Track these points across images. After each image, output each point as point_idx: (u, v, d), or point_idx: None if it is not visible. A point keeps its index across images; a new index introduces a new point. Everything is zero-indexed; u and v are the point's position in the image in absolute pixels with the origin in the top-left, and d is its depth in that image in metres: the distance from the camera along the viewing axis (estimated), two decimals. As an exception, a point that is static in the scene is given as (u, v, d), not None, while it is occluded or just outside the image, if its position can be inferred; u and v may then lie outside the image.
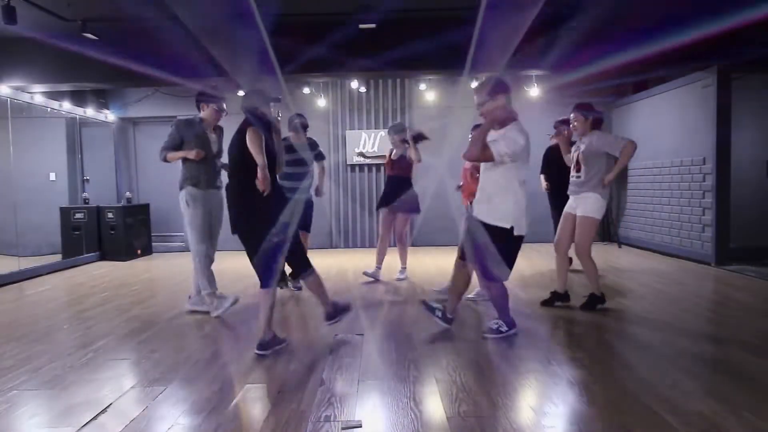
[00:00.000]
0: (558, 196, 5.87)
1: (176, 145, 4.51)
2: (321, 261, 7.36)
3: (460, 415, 2.51)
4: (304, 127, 5.48)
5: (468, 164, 5.22)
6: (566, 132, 5.23)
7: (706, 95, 6.51)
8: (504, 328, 3.68)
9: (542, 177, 6.39)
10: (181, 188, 4.54)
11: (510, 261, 3.51)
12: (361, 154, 6.26)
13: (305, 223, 5.60)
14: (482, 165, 3.63)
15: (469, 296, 4.72)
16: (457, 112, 8.67)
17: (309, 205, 5.55)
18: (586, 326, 4.01)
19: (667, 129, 7.34)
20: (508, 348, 3.48)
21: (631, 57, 5.67)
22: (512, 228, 3.44)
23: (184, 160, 4.52)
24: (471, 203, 4.96)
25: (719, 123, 6.33)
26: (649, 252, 7.63)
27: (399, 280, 6.02)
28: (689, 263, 6.65)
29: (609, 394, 2.71)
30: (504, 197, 3.46)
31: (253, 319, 4.23)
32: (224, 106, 4.67)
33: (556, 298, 4.56)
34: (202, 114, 4.60)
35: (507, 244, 3.46)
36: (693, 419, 2.39)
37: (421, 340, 3.68)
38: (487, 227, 3.47)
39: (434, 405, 2.62)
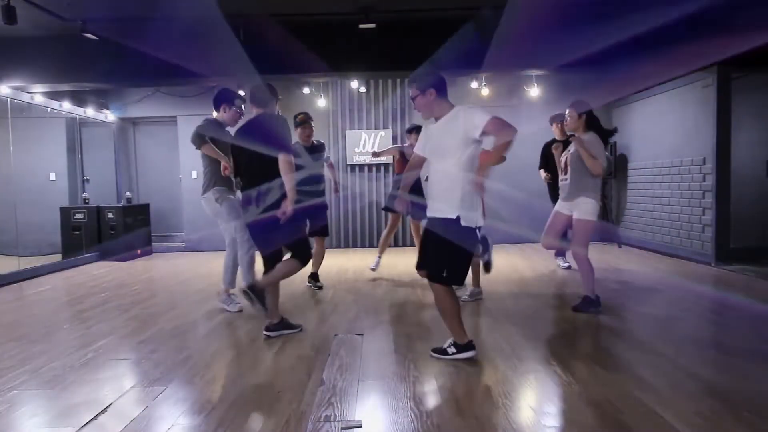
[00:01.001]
0: (557, 188, 5.93)
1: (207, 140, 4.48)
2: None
3: (460, 415, 2.51)
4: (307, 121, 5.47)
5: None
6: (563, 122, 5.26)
7: (706, 95, 6.51)
8: (452, 350, 3.25)
9: (541, 171, 6.44)
10: (206, 191, 4.53)
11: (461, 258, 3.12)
12: (375, 154, 6.15)
13: (324, 228, 5.64)
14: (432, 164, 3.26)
15: (464, 297, 4.70)
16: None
17: (325, 209, 5.67)
18: (585, 326, 4.01)
19: (667, 129, 7.34)
20: (508, 348, 3.47)
21: (632, 57, 5.68)
22: (458, 218, 3.04)
23: (209, 164, 4.50)
24: None
25: (719, 123, 6.33)
26: (649, 252, 7.63)
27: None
28: (689, 263, 6.65)
29: (609, 394, 2.71)
30: (452, 189, 3.08)
31: (253, 320, 4.24)
32: (243, 107, 4.64)
33: (588, 305, 4.32)
34: (224, 116, 4.54)
35: (455, 236, 3.04)
36: (693, 419, 2.39)
37: (421, 340, 3.68)
38: (437, 222, 3.14)
39: (434, 405, 2.62)
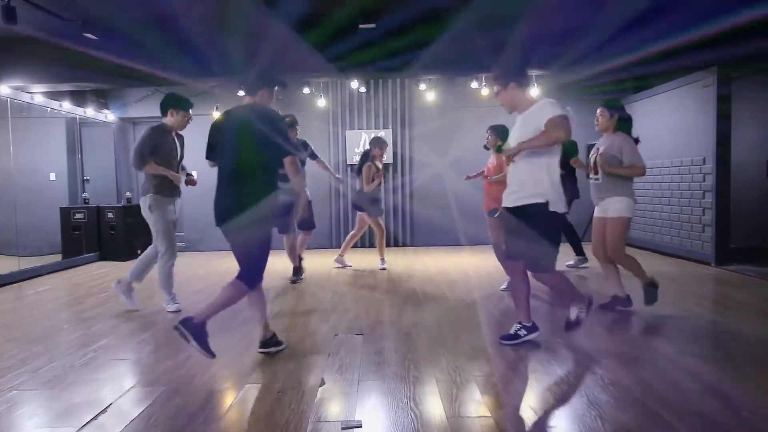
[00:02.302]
0: None
1: (151, 153, 4.37)
2: (321, 261, 7.37)
3: (460, 415, 2.51)
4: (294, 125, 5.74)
5: (491, 168, 5.30)
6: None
7: (706, 95, 6.51)
8: (582, 314, 3.51)
9: None
10: (144, 194, 4.50)
11: (553, 243, 3.33)
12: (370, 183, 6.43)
13: (310, 222, 5.86)
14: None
15: (503, 287, 5.11)
16: (457, 112, 8.68)
17: (308, 205, 5.92)
18: (585, 326, 4.01)
19: (667, 129, 7.34)
20: (508, 348, 3.47)
21: (632, 57, 5.69)
22: (547, 203, 3.26)
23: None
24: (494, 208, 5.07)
25: (719, 123, 6.33)
26: (649, 252, 7.63)
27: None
28: (689, 263, 6.65)
29: (609, 394, 2.71)
30: (538, 179, 3.31)
31: (253, 320, 4.24)
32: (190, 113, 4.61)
33: (617, 303, 4.39)
34: (171, 120, 4.49)
35: (545, 222, 3.28)
36: (693, 419, 2.39)
37: (421, 340, 3.68)
38: (522, 209, 3.34)
39: (434, 405, 2.62)
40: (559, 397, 2.73)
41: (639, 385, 2.80)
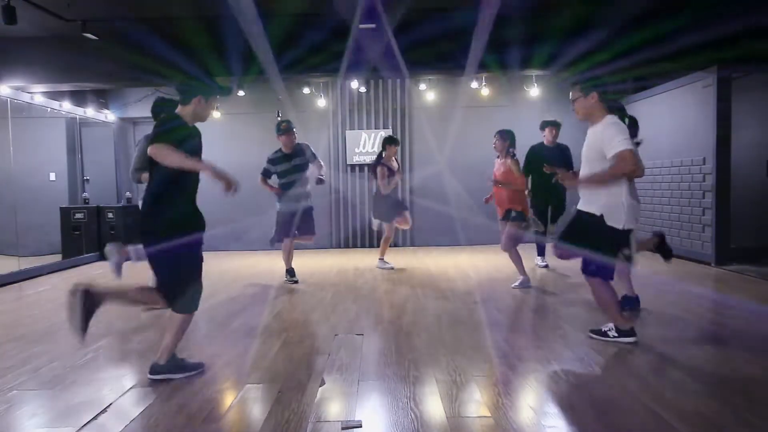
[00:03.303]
0: (537, 195, 6.04)
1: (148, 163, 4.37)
2: (321, 261, 7.38)
3: (460, 415, 2.51)
4: (291, 129, 5.67)
5: (497, 175, 5.32)
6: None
7: (706, 95, 6.51)
8: (613, 333, 3.51)
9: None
10: None
11: (605, 255, 3.36)
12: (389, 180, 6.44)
13: (310, 227, 5.80)
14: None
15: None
16: (457, 112, 8.67)
17: (311, 211, 5.88)
18: (586, 326, 4.01)
19: (667, 129, 7.34)
20: (508, 348, 3.47)
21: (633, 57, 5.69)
22: (602, 216, 3.31)
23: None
24: (507, 210, 5.21)
25: (719, 123, 6.33)
26: (650, 252, 7.62)
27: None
28: (689, 263, 6.64)
29: (609, 394, 2.71)
30: (600, 189, 3.37)
31: (254, 321, 4.24)
32: None
33: (625, 303, 4.25)
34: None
35: (599, 234, 3.33)
36: (693, 419, 2.39)
37: (421, 340, 3.68)
38: (581, 215, 3.43)
39: (434, 405, 2.62)
40: (559, 397, 2.72)
41: (639, 385, 2.80)
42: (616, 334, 3.51)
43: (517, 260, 5.30)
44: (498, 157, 5.42)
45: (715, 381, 2.92)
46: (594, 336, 3.59)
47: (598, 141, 3.32)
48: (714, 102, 6.36)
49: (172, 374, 3.02)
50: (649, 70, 7.32)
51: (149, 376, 3.00)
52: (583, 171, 3.48)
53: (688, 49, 5.39)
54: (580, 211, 3.46)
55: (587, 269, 3.46)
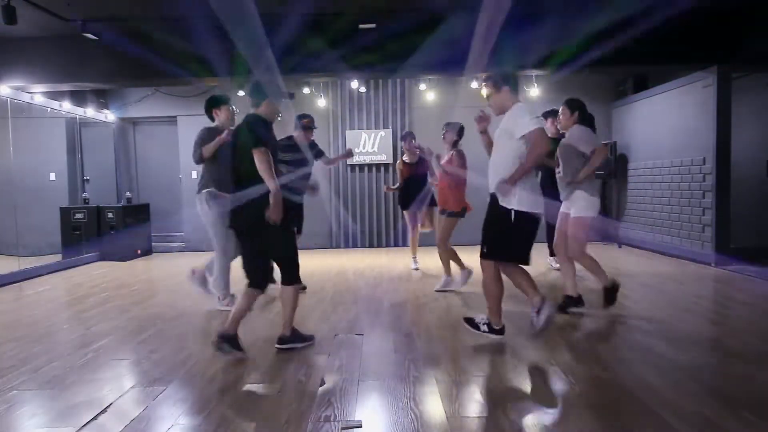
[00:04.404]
0: (545, 188, 6.01)
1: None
2: (321, 261, 7.38)
3: (460, 415, 2.51)
4: (312, 127, 5.53)
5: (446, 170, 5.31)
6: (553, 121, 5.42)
7: (706, 95, 6.51)
8: (484, 328, 3.59)
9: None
10: (200, 190, 4.53)
11: (495, 236, 3.50)
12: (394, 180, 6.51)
13: (299, 225, 5.74)
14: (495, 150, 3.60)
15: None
16: (457, 112, 8.66)
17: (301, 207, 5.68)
18: (585, 326, 4.01)
19: (667, 129, 7.34)
20: (508, 348, 3.48)
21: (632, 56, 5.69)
22: (493, 194, 3.42)
23: (207, 164, 4.51)
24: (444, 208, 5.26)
25: (719, 123, 6.33)
26: (649, 252, 7.63)
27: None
28: (689, 263, 6.64)
29: (609, 394, 2.71)
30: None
31: (253, 320, 4.24)
32: (234, 106, 4.71)
33: (570, 304, 4.29)
34: (218, 120, 4.60)
35: (493, 215, 3.48)
36: (693, 419, 2.39)
37: (421, 340, 3.68)
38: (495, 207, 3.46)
39: (434, 405, 2.62)
40: (559, 397, 2.72)
41: (639, 385, 2.80)
42: (486, 330, 3.58)
43: (455, 258, 5.34)
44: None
45: (715, 381, 2.92)
46: (467, 326, 3.64)
47: (505, 124, 3.43)
48: (714, 102, 6.36)
49: (295, 344, 3.49)
50: (647, 69, 7.32)
51: (277, 345, 3.45)
52: (494, 156, 3.54)
53: (688, 49, 5.39)
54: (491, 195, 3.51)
55: (482, 252, 3.55)
